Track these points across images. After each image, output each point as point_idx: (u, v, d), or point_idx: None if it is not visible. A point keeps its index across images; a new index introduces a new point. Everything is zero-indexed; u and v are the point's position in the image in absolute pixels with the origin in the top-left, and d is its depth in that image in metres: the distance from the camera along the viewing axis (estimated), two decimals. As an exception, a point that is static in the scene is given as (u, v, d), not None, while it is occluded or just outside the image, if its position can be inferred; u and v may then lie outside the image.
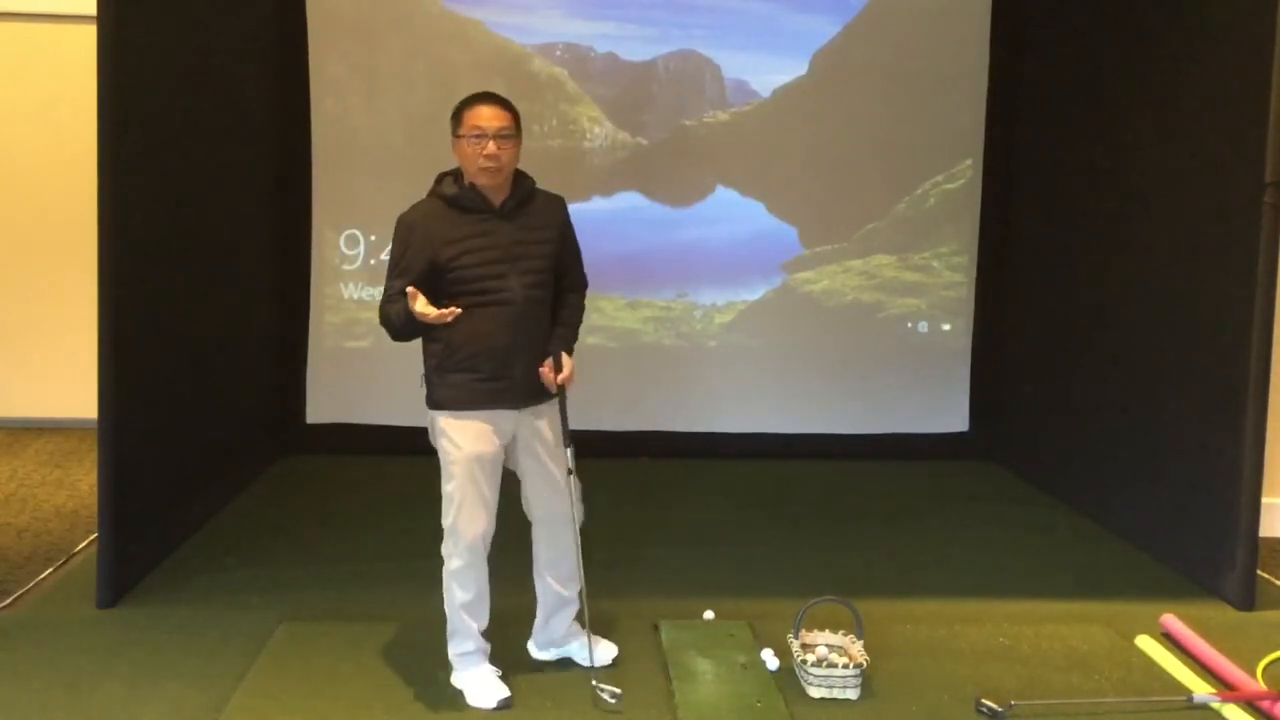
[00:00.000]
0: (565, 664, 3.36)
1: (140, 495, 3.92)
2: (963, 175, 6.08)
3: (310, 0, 5.72)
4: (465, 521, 3.04)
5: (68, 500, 5.13)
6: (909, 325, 6.15)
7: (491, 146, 2.95)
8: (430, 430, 3.15)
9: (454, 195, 3.02)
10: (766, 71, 5.99)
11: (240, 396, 5.31)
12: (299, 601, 3.84)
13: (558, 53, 5.94)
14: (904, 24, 5.98)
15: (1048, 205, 5.60)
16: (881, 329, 6.12)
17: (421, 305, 2.85)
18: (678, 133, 6.03)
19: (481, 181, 3.00)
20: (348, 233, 5.84)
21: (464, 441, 3.04)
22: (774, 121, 6.00)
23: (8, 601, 3.82)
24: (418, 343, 3.10)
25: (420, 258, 2.98)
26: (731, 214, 6.05)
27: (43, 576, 4.07)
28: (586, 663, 3.27)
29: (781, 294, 6.11)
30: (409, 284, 2.90)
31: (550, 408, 3.17)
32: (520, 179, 3.11)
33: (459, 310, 2.90)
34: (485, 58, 5.84)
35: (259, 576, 4.08)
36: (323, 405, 5.89)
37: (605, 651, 3.35)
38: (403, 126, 5.84)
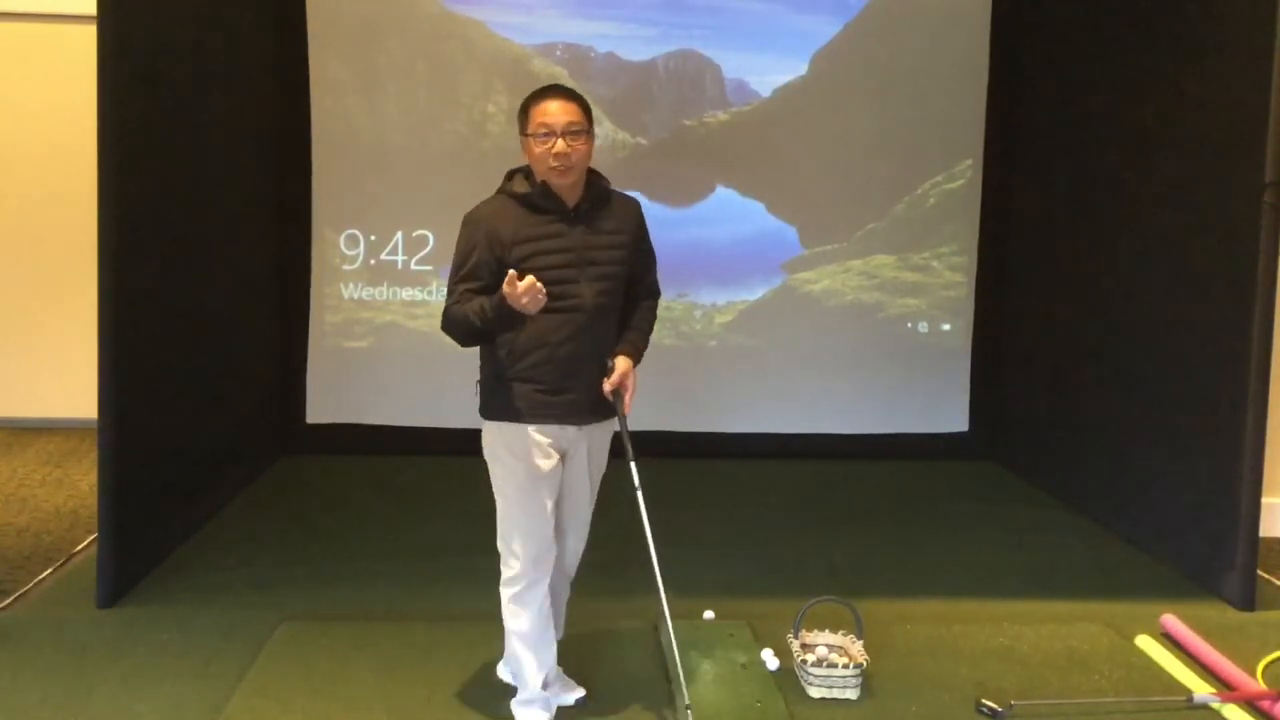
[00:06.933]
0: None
1: (140, 495, 3.92)
2: (963, 175, 6.08)
3: (310, 0, 5.73)
4: (525, 540, 2.87)
5: (68, 500, 5.13)
6: (909, 325, 6.15)
7: (560, 144, 2.77)
8: (485, 442, 2.97)
9: (526, 194, 2.85)
10: (766, 71, 5.99)
11: (240, 396, 5.31)
12: (299, 601, 3.84)
13: (558, 53, 5.94)
14: (904, 24, 5.98)
15: (1048, 206, 5.60)
16: (881, 329, 6.12)
17: (509, 282, 2.63)
18: (678, 133, 6.03)
19: (553, 181, 2.83)
20: (348, 233, 5.84)
21: (523, 454, 2.86)
22: (774, 121, 6.01)
23: (8, 601, 3.82)
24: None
25: (488, 258, 2.80)
26: (731, 214, 6.05)
27: (43, 576, 4.07)
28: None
29: (781, 294, 6.11)
30: (479, 289, 2.78)
31: (608, 426, 3.01)
32: (594, 179, 2.93)
33: (540, 287, 2.67)
34: (485, 58, 5.85)
35: (259, 576, 4.08)
36: (323, 405, 5.88)
37: (570, 693, 3.13)
38: (403, 126, 5.84)
